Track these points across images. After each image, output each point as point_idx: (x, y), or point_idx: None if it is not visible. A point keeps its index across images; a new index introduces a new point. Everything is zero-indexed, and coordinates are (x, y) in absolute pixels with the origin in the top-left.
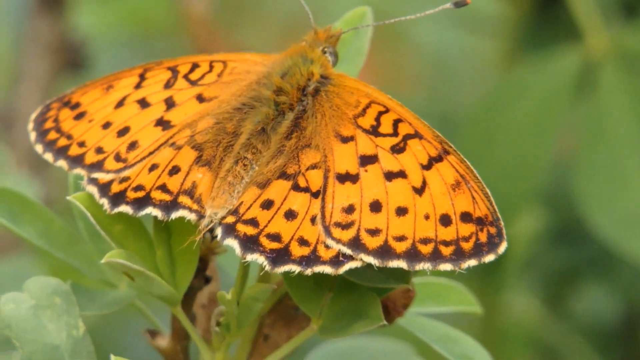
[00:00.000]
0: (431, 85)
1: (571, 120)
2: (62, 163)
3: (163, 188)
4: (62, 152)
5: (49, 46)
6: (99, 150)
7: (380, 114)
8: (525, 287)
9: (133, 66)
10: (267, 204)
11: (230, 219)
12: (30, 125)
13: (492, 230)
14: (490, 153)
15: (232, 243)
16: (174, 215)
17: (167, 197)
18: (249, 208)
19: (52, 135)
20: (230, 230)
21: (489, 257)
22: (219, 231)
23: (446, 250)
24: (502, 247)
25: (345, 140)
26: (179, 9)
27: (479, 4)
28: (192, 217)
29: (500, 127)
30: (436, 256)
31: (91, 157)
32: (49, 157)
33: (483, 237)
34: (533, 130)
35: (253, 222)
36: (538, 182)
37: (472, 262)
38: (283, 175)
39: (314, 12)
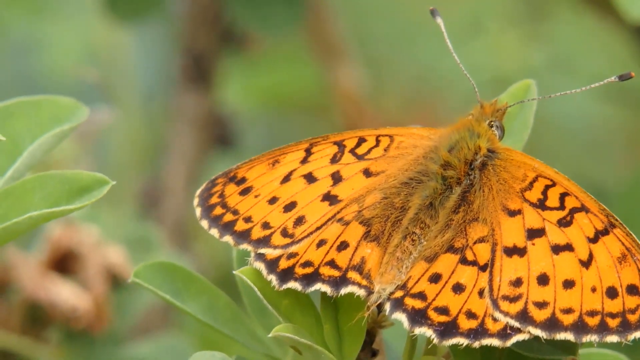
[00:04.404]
0: (576, 159)
1: None
2: (228, 238)
3: (332, 264)
4: (228, 227)
5: (196, 122)
6: (266, 226)
7: (547, 187)
8: None
9: (299, 141)
10: (435, 278)
11: (399, 294)
12: (196, 201)
13: None
14: None
15: (400, 317)
16: (344, 291)
17: (336, 273)
18: (417, 282)
19: (218, 210)
20: (398, 304)
21: None
22: (387, 306)
23: (613, 323)
24: None
25: (513, 213)
26: (328, 84)
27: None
28: (361, 292)
29: None
30: (603, 328)
31: (257, 233)
32: (214, 232)
33: None
34: None
35: (421, 295)
36: None
37: (638, 334)
38: (451, 249)
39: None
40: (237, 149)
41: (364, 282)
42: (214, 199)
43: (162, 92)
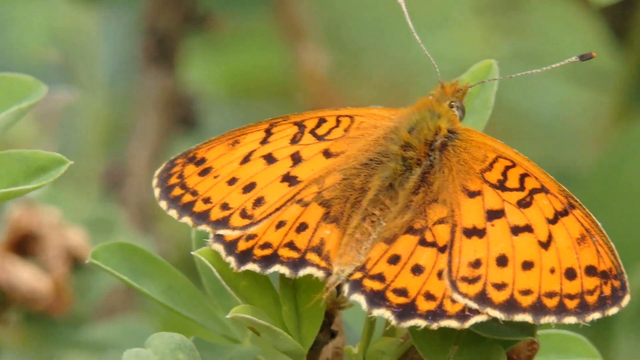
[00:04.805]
0: (543, 142)
1: None
2: (187, 219)
3: (291, 245)
4: (187, 208)
5: (159, 102)
6: (225, 207)
7: (507, 168)
8: (637, 335)
9: (259, 121)
10: (394, 259)
11: (357, 275)
12: (155, 182)
13: (616, 283)
14: (609, 208)
15: (359, 299)
16: (302, 272)
17: (295, 255)
18: (375, 263)
19: (177, 191)
20: (357, 286)
21: (613, 310)
22: (345, 287)
23: (571, 304)
24: (626, 300)
25: (472, 195)
26: (293, 66)
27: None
28: (319, 274)
29: (618, 182)
30: (561, 309)
31: (216, 214)
32: (173, 213)
33: (607, 291)
34: None
35: (380, 277)
36: None
37: (596, 315)
38: (410, 230)
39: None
40: (200, 130)
41: (323, 264)
42: (173, 180)
43: (126, 73)
